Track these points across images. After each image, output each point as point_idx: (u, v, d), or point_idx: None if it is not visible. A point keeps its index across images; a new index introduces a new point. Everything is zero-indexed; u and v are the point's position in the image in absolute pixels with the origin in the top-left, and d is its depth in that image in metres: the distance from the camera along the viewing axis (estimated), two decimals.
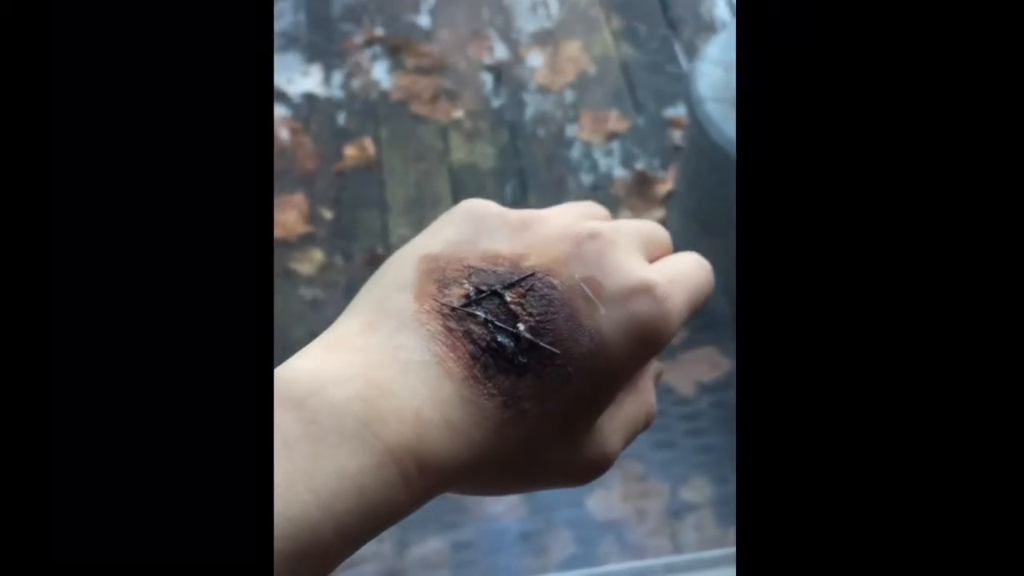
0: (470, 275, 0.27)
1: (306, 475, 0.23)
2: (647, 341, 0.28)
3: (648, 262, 0.30)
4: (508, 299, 0.27)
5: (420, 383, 0.25)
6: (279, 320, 1.59)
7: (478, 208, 0.30)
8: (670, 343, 0.29)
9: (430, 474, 0.24)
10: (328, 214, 1.74)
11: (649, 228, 0.31)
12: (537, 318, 0.27)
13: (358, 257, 1.69)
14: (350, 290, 1.63)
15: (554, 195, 1.78)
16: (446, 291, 0.27)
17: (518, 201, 1.79)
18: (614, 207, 1.77)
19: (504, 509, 1.35)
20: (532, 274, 0.27)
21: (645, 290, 0.28)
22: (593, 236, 0.29)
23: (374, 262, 1.67)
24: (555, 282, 0.27)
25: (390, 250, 1.68)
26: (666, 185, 1.78)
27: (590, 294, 0.27)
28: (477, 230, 0.29)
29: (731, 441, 1.40)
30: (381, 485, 0.23)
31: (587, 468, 0.29)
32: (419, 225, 1.72)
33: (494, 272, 0.28)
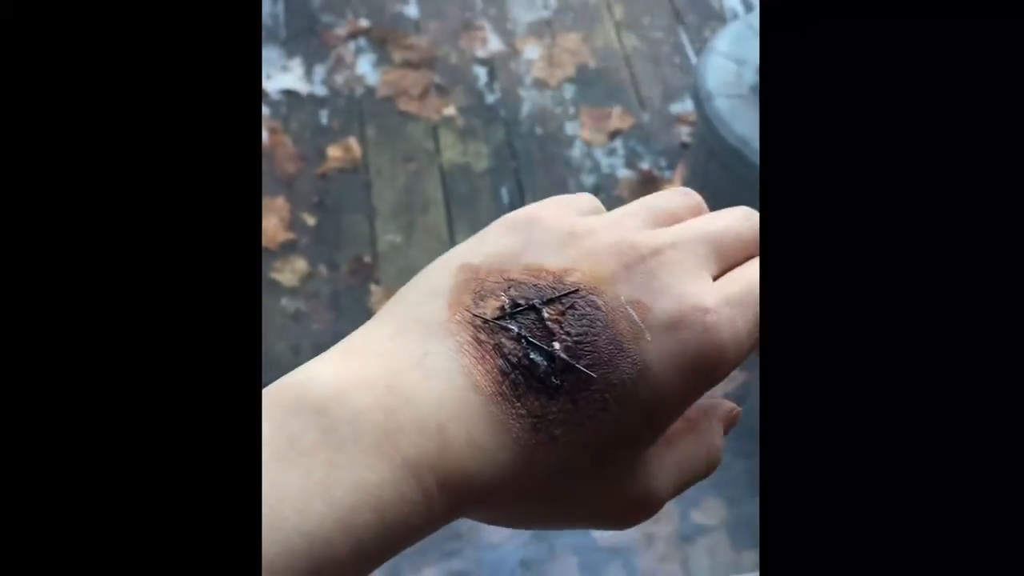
0: (508, 288, 0.27)
1: (323, 486, 0.23)
2: (699, 372, 0.27)
3: (721, 272, 0.29)
4: (545, 315, 0.27)
5: (445, 394, 0.25)
6: None
7: (526, 216, 0.30)
8: (728, 374, 0.28)
9: (451, 493, 0.24)
10: (311, 220, 1.74)
11: (728, 224, 0.30)
12: (575, 338, 0.26)
13: (344, 266, 1.68)
14: (335, 301, 1.63)
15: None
16: (481, 303, 0.27)
17: (515, 205, 1.79)
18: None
19: (504, 536, 1.35)
20: (575, 291, 0.27)
21: (697, 317, 0.27)
22: (645, 255, 0.28)
23: (361, 271, 1.67)
24: (598, 301, 0.27)
25: (378, 258, 1.69)
26: (673, 185, 1.79)
27: (635, 318, 0.27)
28: (523, 242, 0.29)
29: (746, 460, 1.40)
30: (399, 500, 0.23)
31: (629, 508, 0.28)
32: (408, 230, 1.73)
33: (535, 286, 0.27)
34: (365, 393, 0.24)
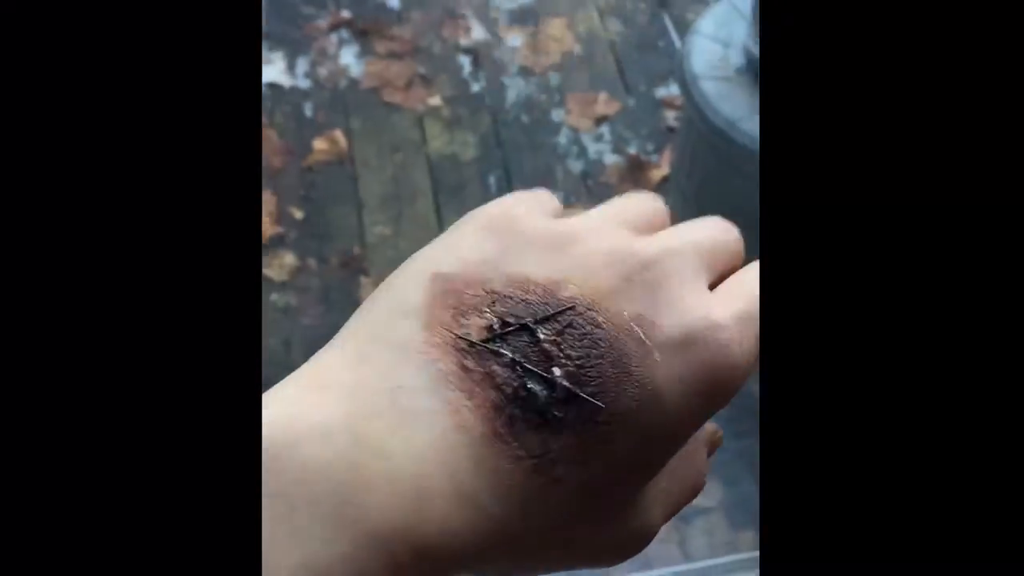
0: (493, 303, 0.24)
1: (262, 566, 0.19)
2: (710, 395, 0.24)
3: (715, 283, 0.27)
4: (541, 336, 0.23)
5: (424, 440, 0.22)
6: None
7: (501, 219, 0.26)
8: (735, 395, 0.26)
9: (430, 562, 0.21)
10: (298, 213, 1.74)
11: (714, 235, 0.27)
12: (577, 362, 0.23)
13: (333, 259, 1.68)
14: (325, 295, 1.62)
15: (540, 185, 1.78)
16: (463, 321, 0.24)
17: (503, 193, 1.78)
18: (606, 195, 1.77)
19: None
20: (571, 307, 0.24)
21: (709, 332, 0.24)
22: (647, 265, 0.25)
23: (350, 263, 1.66)
24: (599, 318, 0.24)
25: (367, 250, 1.69)
26: (661, 170, 1.78)
27: (642, 336, 0.24)
28: (502, 247, 0.25)
29: (742, 441, 1.41)
30: None
31: (626, 544, 0.25)
32: (397, 221, 1.72)
33: (523, 301, 0.24)
34: (324, 443, 0.21)
